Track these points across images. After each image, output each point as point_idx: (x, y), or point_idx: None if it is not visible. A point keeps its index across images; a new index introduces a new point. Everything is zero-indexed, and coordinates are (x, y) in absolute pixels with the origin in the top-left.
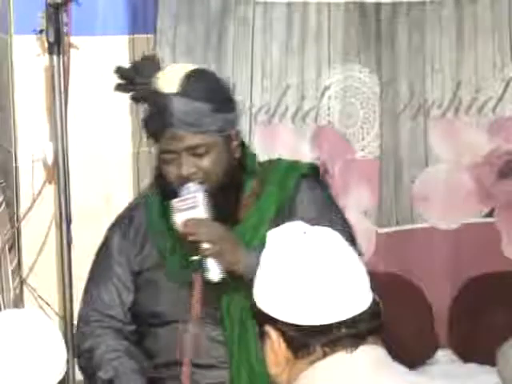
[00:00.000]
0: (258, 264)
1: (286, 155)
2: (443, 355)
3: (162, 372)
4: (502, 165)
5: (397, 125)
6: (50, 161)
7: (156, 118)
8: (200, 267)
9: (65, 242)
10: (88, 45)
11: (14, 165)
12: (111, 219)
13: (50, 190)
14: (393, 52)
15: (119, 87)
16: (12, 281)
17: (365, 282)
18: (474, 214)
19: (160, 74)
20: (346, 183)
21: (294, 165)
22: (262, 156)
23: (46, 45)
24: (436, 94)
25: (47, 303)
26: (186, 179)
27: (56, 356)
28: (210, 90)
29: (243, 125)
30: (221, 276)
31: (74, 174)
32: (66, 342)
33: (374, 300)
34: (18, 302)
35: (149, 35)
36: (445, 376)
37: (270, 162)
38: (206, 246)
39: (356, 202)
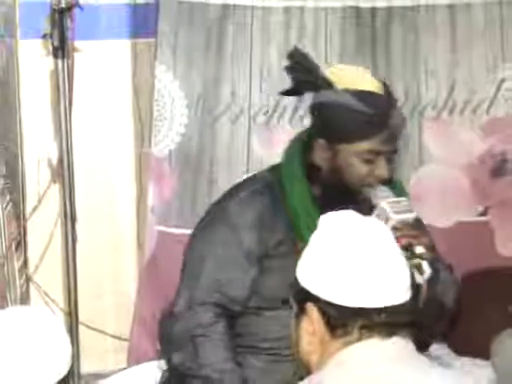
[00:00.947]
0: None
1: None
2: (438, 349)
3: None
4: (495, 164)
5: None
6: (55, 161)
7: (379, 117)
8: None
9: (70, 239)
10: (91, 48)
11: (20, 165)
12: (115, 217)
13: (55, 190)
14: (388, 55)
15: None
16: (18, 278)
17: (407, 276)
18: (468, 212)
19: (356, 74)
20: None
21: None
22: (261, 156)
23: (51, 49)
24: (430, 96)
25: (53, 300)
26: (381, 181)
27: (60, 352)
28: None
29: (242, 126)
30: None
31: (79, 174)
32: (71, 338)
33: (412, 296)
34: (25, 299)
35: (150, 39)
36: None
37: None
38: (422, 250)
39: None
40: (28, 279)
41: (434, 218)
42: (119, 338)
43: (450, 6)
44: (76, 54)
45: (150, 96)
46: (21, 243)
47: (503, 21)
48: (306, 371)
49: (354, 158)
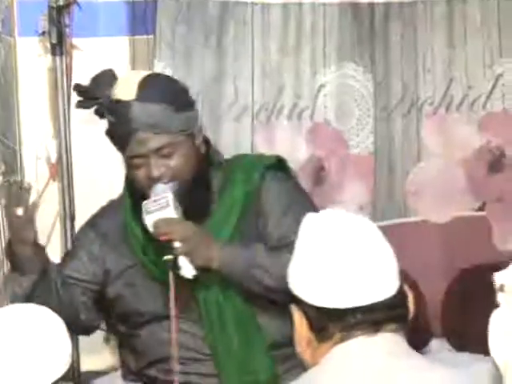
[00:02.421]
0: (235, 257)
1: (284, 152)
2: (437, 344)
3: (151, 370)
4: (492, 159)
5: (390, 122)
6: (53, 159)
7: (119, 126)
8: (174, 266)
9: (69, 238)
10: (89, 46)
11: (18, 162)
12: None
13: (54, 188)
14: (386, 51)
15: (80, 104)
16: None
17: (391, 271)
18: (466, 207)
19: (117, 84)
20: (341, 179)
21: (257, 158)
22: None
23: (49, 46)
24: (428, 92)
25: None
26: (155, 181)
27: (61, 348)
28: (166, 91)
29: (245, 124)
30: (194, 273)
31: (78, 172)
32: (71, 335)
33: (400, 290)
34: None
35: (149, 36)
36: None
37: (236, 157)
38: (177, 244)
39: (351, 197)
40: None
41: (432, 213)
42: None
43: (448, 1)
44: (74, 52)
45: None
46: None
47: (500, 16)
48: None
49: (129, 166)
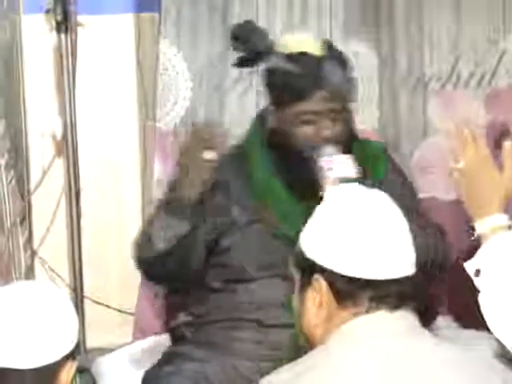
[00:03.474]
0: None
1: None
2: (443, 321)
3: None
4: (497, 135)
5: (396, 98)
6: (58, 135)
7: (302, 79)
8: None
9: (74, 214)
10: (95, 23)
11: (24, 140)
12: (119, 191)
13: (60, 164)
14: (392, 28)
15: (242, 61)
16: (23, 253)
17: (413, 250)
18: None
19: (293, 38)
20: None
21: (377, 143)
22: None
23: (54, 24)
24: (434, 68)
25: (58, 275)
26: (324, 141)
27: (68, 326)
28: (347, 60)
29: (250, 100)
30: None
31: (83, 148)
32: (77, 313)
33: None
34: (30, 274)
35: (154, 14)
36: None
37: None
38: None
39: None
40: (33, 254)
41: (439, 190)
42: (125, 312)
43: None
44: (79, 29)
45: (154, 70)
46: (25, 218)
47: None
48: (310, 344)
49: (296, 120)
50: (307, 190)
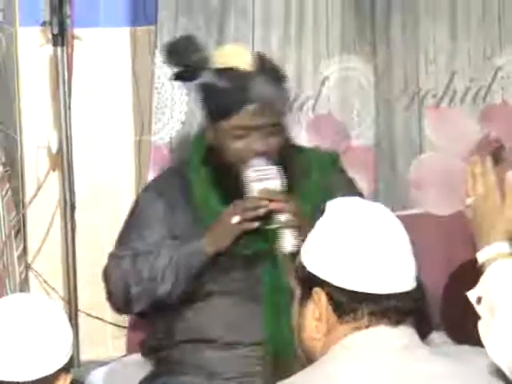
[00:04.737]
0: None
1: None
2: (437, 337)
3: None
4: (491, 152)
5: (391, 113)
6: (54, 149)
7: (232, 94)
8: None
9: (69, 227)
10: (91, 36)
11: (19, 153)
12: (114, 205)
13: (55, 178)
14: (388, 43)
15: (178, 75)
16: (18, 266)
17: (414, 264)
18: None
19: (224, 52)
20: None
21: (324, 152)
22: None
23: (50, 36)
24: (430, 84)
25: (52, 287)
26: (257, 155)
27: (62, 339)
28: (281, 72)
29: None
30: (295, 248)
31: (78, 162)
32: (71, 326)
33: (417, 285)
34: (24, 287)
35: (150, 27)
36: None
37: (299, 146)
38: (287, 217)
39: None
40: (27, 267)
41: (434, 205)
42: (118, 326)
43: None
44: (75, 42)
45: (149, 84)
46: (20, 231)
47: (501, 7)
48: (309, 358)
49: (227, 135)
50: None
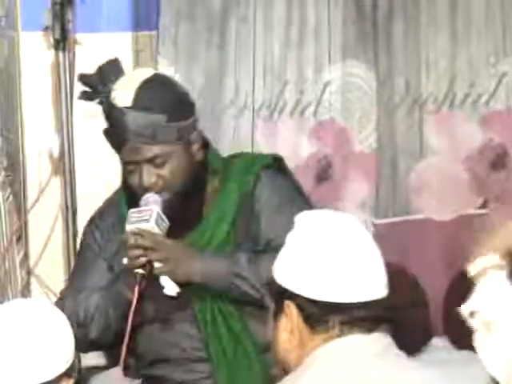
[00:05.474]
0: (216, 269)
1: (287, 150)
2: (438, 342)
3: (152, 370)
4: (494, 157)
5: (393, 119)
6: (56, 154)
7: (114, 131)
8: (142, 278)
9: (71, 232)
10: (93, 41)
11: (21, 158)
12: None
13: (56, 182)
14: (389, 48)
15: (84, 95)
16: (19, 271)
17: (384, 273)
18: (468, 205)
19: (116, 86)
20: (345, 176)
21: (253, 158)
22: (265, 151)
23: (52, 41)
24: (431, 89)
25: (54, 292)
26: (146, 189)
27: (64, 344)
28: (164, 100)
29: (246, 120)
30: (177, 290)
31: (80, 167)
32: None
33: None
34: (26, 292)
35: (152, 32)
36: (440, 363)
37: (233, 156)
38: (157, 265)
39: (354, 194)
40: (29, 272)
41: (435, 210)
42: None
43: None
44: (77, 47)
45: None
46: (22, 236)
47: (504, 14)
48: (285, 370)
49: (124, 169)
50: None
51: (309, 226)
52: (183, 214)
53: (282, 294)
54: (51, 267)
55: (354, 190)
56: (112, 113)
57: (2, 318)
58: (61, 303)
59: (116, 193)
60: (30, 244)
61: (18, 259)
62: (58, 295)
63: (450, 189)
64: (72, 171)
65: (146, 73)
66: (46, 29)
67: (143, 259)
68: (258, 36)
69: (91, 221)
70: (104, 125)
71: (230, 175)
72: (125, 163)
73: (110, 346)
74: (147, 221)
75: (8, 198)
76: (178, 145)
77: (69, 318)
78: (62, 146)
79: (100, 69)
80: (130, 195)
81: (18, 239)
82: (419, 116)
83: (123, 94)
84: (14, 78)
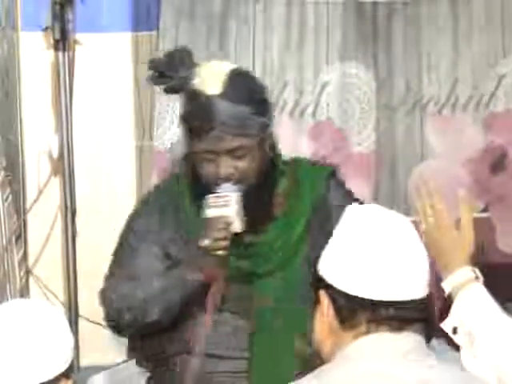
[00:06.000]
0: None
1: (286, 150)
2: (437, 344)
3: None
4: (494, 159)
5: (393, 120)
6: (55, 154)
7: (198, 118)
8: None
9: (70, 233)
10: (92, 41)
11: (20, 158)
12: (115, 211)
13: (56, 183)
14: (389, 50)
15: (155, 79)
16: (18, 271)
17: (425, 274)
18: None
19: (201, 73)
20: (343, 177)
21: (319, 165)
22: None
23: (52, 41)
24: (432, 91)
25: (52, 293)
26: (222, 179)
27: (63, 344)
28: (250, 92)
29: None
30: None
31: (79, 167)
32: (71, 331)
33: (428, 294)
34: (24, 292)
35: (152, 32)
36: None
37: (294, 160)
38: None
39: None
40: (28, 272)
41: None
42: None
43: (452, 0)
44: (77, 47)
45: (150, 89)
46: (21, 236)
47: (504, 15)
48: (321, 361)
49: (199, 157)
50: None
51: (356, 219)
52: (255, 209)
53: (318, 283)
54: (50, 267)
55: (353, 191)
56: (197, 99)
57: (0, 318)
58: (113, 286)
59: (163, 184)
60: (29, 244)
61: (16, 259)
62: (104, 277)
63: (450, 192)
64: (71, 171)
65: (227, 65)
66: (45, 29)
67: (227, 242)
68: (258, 36)
69: (136, 211)
70: (103, 124)
71: (299, 179)
72: (201, 152)
73: (162, 329)
74: (226, 206)
75: (7, 198)
76: (257, 139)
77: (122, 300)
78: (61, 146)
79: (170, 54)
80: (194, 186)
81: (17, 239)
82: (420, 117)
83: (211, 81)
84: (14, 78)
